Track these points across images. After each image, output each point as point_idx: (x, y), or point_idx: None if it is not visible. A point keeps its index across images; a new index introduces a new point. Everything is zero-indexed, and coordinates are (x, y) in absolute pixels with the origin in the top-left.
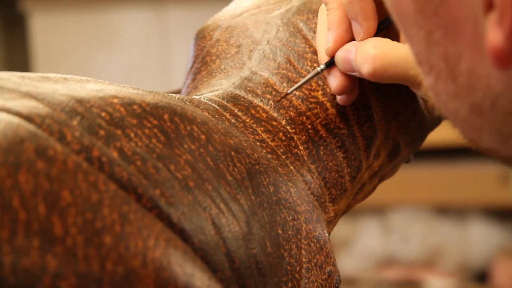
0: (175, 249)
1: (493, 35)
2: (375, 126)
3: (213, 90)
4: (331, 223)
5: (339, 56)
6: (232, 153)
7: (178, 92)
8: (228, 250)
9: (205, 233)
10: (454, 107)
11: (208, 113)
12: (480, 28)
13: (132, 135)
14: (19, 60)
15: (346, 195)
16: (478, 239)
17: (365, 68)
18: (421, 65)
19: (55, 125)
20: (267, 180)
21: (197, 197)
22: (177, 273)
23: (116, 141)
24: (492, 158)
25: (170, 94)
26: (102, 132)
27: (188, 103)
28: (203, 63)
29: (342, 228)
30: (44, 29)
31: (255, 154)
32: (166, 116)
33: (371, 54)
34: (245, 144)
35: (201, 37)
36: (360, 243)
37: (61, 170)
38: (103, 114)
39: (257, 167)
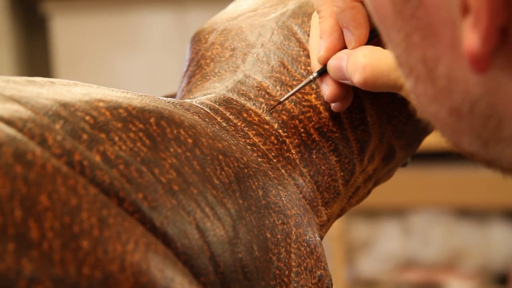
0: (155, 253)
1: (469, 39)
2: (369, 129)
3: (206, 94)
4: (324, 227)
5: (331, 64)
6: (220, 157)
7: (173, 95)
8: (213, 254)
9: (189, 237)
10: (434, 110)
11: (199, 116)
12: (457, 31)
13: (116, 138)
14: (40, 62)
15: (340, 199)
16: (499, 241)
17: (356, 77)
18: (402, 67)
19: (37, 129)
20: (256, 184)
21: (182, 201)
22: (156, 277)
23: (99, 145)
24: (474, 162)
25: (160, 98)
26: (85, 136)
27: (178, 106)
28: (197, 67)
29: (362, 230)
30: (65, 32)
31: (245, 158)
32: (152, 120)
33: (361, 63)
34: (234, 147)
35: (197, 40)
36: (380, 245)
37: (39, 174)
38: (87, 118)
39: (246, 170)
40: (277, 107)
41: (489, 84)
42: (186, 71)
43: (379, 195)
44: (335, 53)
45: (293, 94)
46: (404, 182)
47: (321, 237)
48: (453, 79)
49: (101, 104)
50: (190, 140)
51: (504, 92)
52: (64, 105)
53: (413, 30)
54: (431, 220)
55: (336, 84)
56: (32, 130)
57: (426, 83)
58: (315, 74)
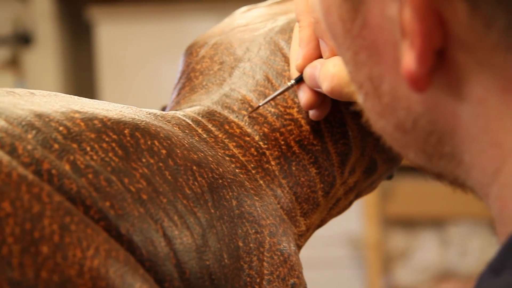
0: (115, 259)
1: (407, 60)
2: (350, 143)
3: (192, 105)
4: (302, 237)
5: (307, 72)
6: (194, 168)
7: (165, 107)
8: (179, 261)
9: (155, 244)
10: (381, 124)
11: (179, 128)
12: (398, 51)
13: (88, 149)
14: (85, 68)
15: (319, 210)
16: None
17: (324, 86)
18: (353, 82)
19: (8, 139)
20: (230, 194)
21: (150, 210)
22: (114, 283)
23: (69, 155)
24: (424, 174)
25: (142, 110)
26: (56, 146)
27: (159, 118)
28: (187, 79)
29: (399, 240)
30: (110, 38)
31: (220, 169)
32: (126, 131)
33: (330, 72)
34: (210, 158)
35: (189, 53)
36: (418, 256)
37: (4, 182)
38: (61, 128)
39: (220, 181)
40: (259, 120)
41: (429, 102)
42: (177, 83)
43: (418, 205)
44: (311, 62)
45: (272, 99)
46: (442, 193)
47: (299, 247)
48: (396, 96)
49: (76, 115)
50: (164, 151)
51: (443, 111)
52: (39, 115)
53: (359, 48)
54: (469, 231)
55: (312, 91)
56: (3, 139)
57: (373, 99)
58: (292, 81)
